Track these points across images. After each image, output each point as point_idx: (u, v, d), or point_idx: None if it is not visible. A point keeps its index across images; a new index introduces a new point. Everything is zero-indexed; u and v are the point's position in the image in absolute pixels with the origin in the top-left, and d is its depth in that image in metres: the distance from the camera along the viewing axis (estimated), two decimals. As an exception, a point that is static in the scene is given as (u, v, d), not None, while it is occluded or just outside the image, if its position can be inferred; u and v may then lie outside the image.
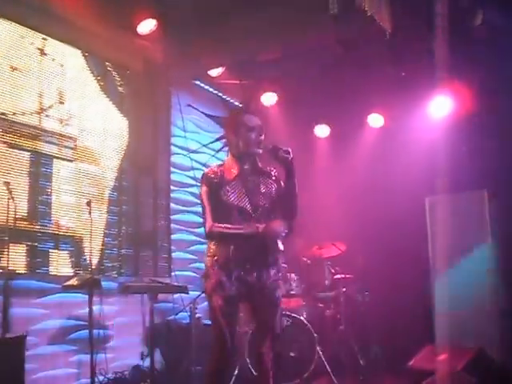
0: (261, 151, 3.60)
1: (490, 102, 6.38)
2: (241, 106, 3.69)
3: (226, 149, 3.85)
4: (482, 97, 6.37)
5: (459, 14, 5.36)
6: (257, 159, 3.66)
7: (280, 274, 3.66)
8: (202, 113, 3.92)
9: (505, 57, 5.95)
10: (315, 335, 5.60)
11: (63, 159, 5.50)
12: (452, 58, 5.70)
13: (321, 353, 5.61)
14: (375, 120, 7.59)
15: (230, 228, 3.46)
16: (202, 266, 6.82)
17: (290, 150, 3.51)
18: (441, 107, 6.84)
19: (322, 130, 7.96)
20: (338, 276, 6.55)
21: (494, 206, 6.51)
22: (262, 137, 3.61)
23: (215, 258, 3.50)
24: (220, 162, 3.75)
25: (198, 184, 3.75)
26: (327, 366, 5.59)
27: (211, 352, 3.49)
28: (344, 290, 6.45)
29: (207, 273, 3.54)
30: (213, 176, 3.57)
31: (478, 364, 4.98)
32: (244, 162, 3.63)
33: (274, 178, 3.70)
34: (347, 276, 6.56)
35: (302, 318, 5.72)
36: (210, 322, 3.60)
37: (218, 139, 4.13)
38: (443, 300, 6.30)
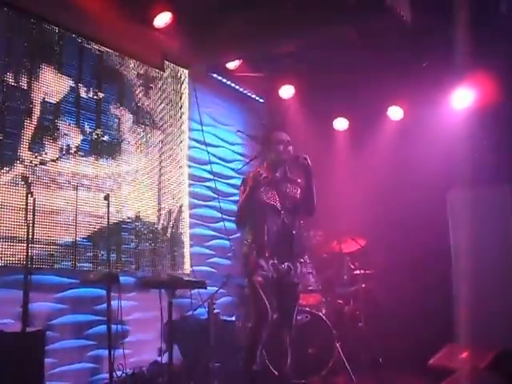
0: (287, 159, 4.39)
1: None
2: (271, 123, 5.01)
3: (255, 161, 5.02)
4: (505, 88, 6.24)
5: (482, 2, 5.26)
6: (287, 169, 4.48)
7: (304, 270, 4.47)
8: (248, 136, 4.82)
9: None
10: (334, 332, 5.54)
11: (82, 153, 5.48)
12: (474, 47, 5.60)
13: (340, 349, 5.55)
14: (395, 112, 7.49)
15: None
16: (220, 260, 6.94)
17: (308, 157, 4.28)
18: (462, 99, 6.73)
19: (340, 123, 7.87)
20: (358, 271, 6.48)
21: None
22: (290, 148, 4.41)
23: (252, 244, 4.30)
24: (259, 168, 4.44)
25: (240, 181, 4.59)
26: (346, 363, 5.54)
27: (252, 320, 4.22)
28: (363, 285, 6.38)
29: (247, 257, 4.30)
30: (257, 177, 4.29)
31: (500, 363, 4.89)
32: (276, 170, 4.47)
33: (299, 184, 4.48)
34: (367, 271, 6.48)
35: (320, 314, 5.66)
36: (250, 297, 4.27)
37: (255, 157, 4.97)
38: (465, 297, 6.20)
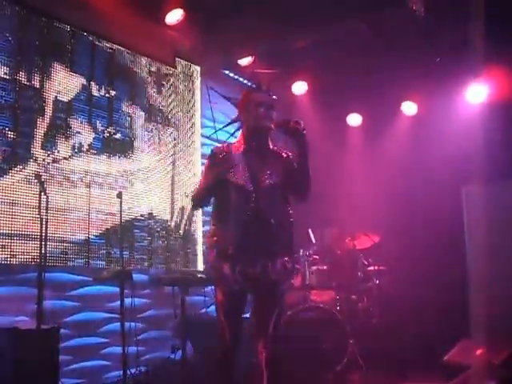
0: (271, 125, 3.41)
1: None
2: (252, 86, 3.75)
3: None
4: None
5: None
6: (268, 138, 3.49)
7: (290, 267, 3.36)
8: (221, 95, 3.82)
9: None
10: (347, 328, 5.52)
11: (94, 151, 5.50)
12: (489, 42, 5.54)
13: (353, 346, 5.54)
14: (409, 108, 7.43)
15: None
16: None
17: (302, 122, 3.37)
18: (477, 94, 6.67)
19: (354, 119, 7.83)
20: (371, 268, 6.44)
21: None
22: (273, 113, 3.46)
23: (215, 247, 3.36)
24: (233, 141, 3.62)
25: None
26: (360, 359, 5.52)
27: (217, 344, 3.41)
28: (377, 282, 6.35)
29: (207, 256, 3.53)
30: (218, 152, 3.46)
31: (517, 360, 4.85)
32: (252, 140, 3.47)
33: (284, 157, 3.50)
34: (380, 268, 6.44)
35: (334, 310, 5.65)
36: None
37: (230, 122, 3.76)
38: (480, 293, 6.15)
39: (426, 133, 6.96)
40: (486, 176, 6.34)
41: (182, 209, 6.36)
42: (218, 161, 3.41)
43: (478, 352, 5.08)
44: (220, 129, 4.40)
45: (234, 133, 3.72)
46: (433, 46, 6.22)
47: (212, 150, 3.52)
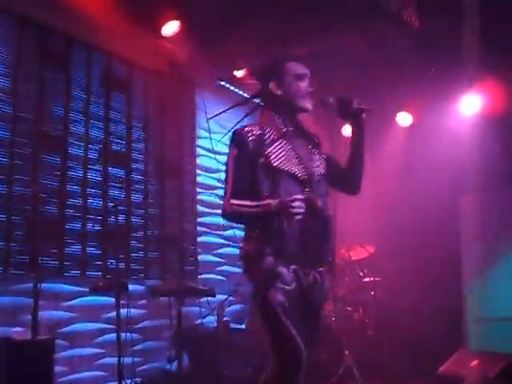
0: (311, 107, 2.93)
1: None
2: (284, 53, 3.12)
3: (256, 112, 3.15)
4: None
5: (491, 9, 5.24)
6: (300, 119, 3.00)
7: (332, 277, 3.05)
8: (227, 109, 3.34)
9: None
10: (343, 339, 5.53)
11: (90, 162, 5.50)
12: (483, 54, 5.60)
13: (349, 357, 5.54)
14: (404, 118, 7.47)
15: (248, 206, 2.74)
16: (230, 268, 6.91)
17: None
18: (472, 105, 6.71)
19: (348, 130, 7.85)
20: (367, 279, 6.45)
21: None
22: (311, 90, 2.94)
23: (265, 243, 2.73)
24: (253, 122, 2.96)
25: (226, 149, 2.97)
26: (355, 371, 5.52)
27: (277, 369, 2.72)
28: (372, 293, 6.36)
29: (256, 263, 2.75)
30: (249, 135, 2.83)
31: (511, 372, 4.86)
32: (290, 121, 2.94)
33: (320, 144, 3.07)
34: (376, 279, 6.45)
35: (329, 322, 5.65)
36: (266, 328, 2.76)
37: (251, 97, 3.17)
38: (476, 304, 6.18)
39: (422, 143, 7.00)
40: (483, 186, 6.39)
41: (178, 220, 6.36)
42: (250, 147, 2.81)
43: (473, 364, 5.10)
44: (230, 108, 3.65)
45: (248, 115, 3.18)
46: (427, 57, 6.27)
47: (237, 133, 2.88)
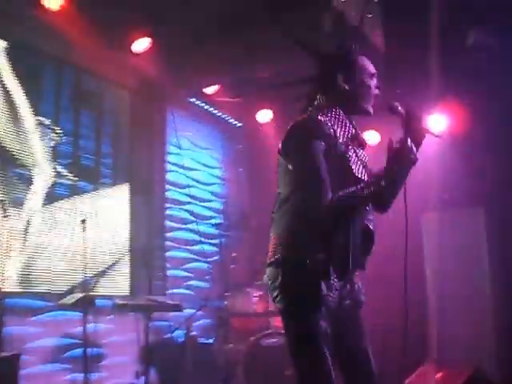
0: (372, 111, 2.63)
1: (485, 120, 6.41)
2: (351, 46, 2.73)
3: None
4: (475, 115, 6.39)
5: (453, 33, 5.41)
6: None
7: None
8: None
9: (499, 75, 5.98)
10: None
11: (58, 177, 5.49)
12: (447, 75, 5.75)
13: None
14: (372, 137, 7.60)
15: (353, 194, 2.39)
16: (198, 283, 6.93)
17: None
18: (436, 125, 6.86)
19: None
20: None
21: (491, 222, 6.51)
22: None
23: (318, 256, 2.39)
24: (319, 113, 2.52)
25: (294, 138, 2.51)
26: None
27: None
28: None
29: (302, 278, 2.39)
30: (326, 128, 2.46)
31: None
32: (350, 121, 2.60)
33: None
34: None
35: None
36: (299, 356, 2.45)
37: (306, 80, 2.82)
38: (439, 317, 6.29)
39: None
40: (445, 204, 6.53)
41: (147, 234, 6.37)
42: (331, 140, 2.45)
43: (438, 376, 5.18)
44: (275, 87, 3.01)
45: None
46: (393, 77, 6.41)
47: (317, 123, 2.45)
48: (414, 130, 2.45)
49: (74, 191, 5.61)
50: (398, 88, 6.64)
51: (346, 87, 2.58)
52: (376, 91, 2.65)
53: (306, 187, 2.42)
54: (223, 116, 7.76)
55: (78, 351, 5.01)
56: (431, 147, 6.59)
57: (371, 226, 2.61)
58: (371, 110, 2.65)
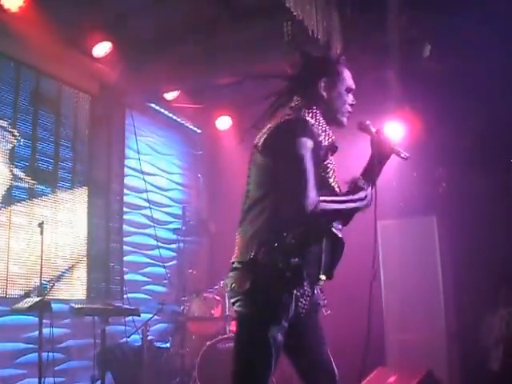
0: (345, 124, 2.65)
1: (438, 130, 6.59)
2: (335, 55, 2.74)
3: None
4: (431, 124, 6.57)
5: (409, 45, 5.57)
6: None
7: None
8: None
9: (453, 86, 6.16)
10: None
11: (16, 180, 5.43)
12: (403, 86, 5.91)
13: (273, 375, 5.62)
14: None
15: (339, 201, 2.43)
16: (155, 287, 6.93)
17: None
18: (392, 134, 7.02)
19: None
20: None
21: (443, 231, 6.69)
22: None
23: (293, 260, 2.36)
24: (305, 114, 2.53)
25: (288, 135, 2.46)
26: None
27: None
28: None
29: (274, 283, 2.35)
30: (314, 128, 2.50)
31: (425, 386, 5.09)
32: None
33: None
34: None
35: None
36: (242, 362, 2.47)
37: (278, 77, 2.80)
38: (394, 322, 6.43)
39: (343, 169, 7.23)
40: (400, 212, 6.69)
41: (104, 239, 6.34)
42: (318, 143, 2.46)
43: (391, 379, 5.30)
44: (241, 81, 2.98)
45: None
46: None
47: (308, 123, 2.47)
48: (381, 149, 2.60)
49: (31, 194, 5.56)
50: (355, 96, 6.80)
51: (324, 95, 2.59)
52: (349, 108, 2.66)
53: (293, 186, 2.36)
54: (183, 122, 7.78)
55: (33, 356, 4.94)
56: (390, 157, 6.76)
57: (341, 236, 2.58)
58: (345, 123, 2.66)
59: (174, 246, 7.22)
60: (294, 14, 4.77)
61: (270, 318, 2.36)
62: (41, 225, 5.06)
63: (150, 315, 5.78)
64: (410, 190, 6.84)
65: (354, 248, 6.86)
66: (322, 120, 2.56)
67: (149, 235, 7.00)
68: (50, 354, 4.86)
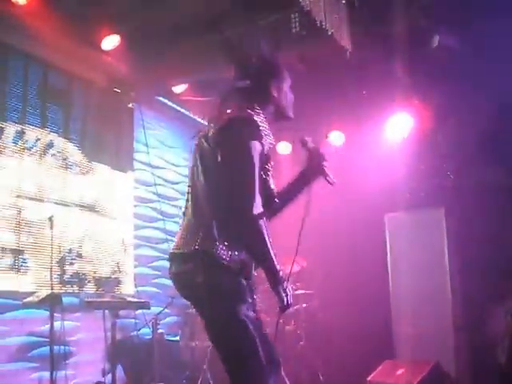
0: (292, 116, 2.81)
1: (446, 122, 6.57)
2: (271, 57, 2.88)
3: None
4: (439, 116, 6.55)
5: (417, 36, 5.54)
6: None
7: None
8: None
9: (461, 78, 6.13)
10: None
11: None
12: (411, 77, 5.89)
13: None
14: (336, 138, 7.70)
15: (269, 250, 2.54)
16: (165, 281, 6.94)
17: None
18: (400, 126, 7.01)
19: (285, 147, 8.03)
20: (299, 292, 6.60)
21: (451, 222, 6.68)
22: None
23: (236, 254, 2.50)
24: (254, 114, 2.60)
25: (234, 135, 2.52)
26: (287, 382, 5.63)
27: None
28: (304, 305, 6.51)
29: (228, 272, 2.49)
30: (262, 130, 2.57)
31: (433, 379, 5.12)
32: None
33: None
34: (308, 292, 6.62)
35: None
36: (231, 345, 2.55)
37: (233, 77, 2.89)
38: (402, 315, 6.43)
39: (353, 161, 7.24)
40: (408, 204, 6.68)
41: (114, 232, 6.36)
42: (262, 144, 2.53)
43: (399, 372, 5.32)
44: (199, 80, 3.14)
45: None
46: (359, 79, 6.52)
47: (257, 124, 2.55)
48: (315, 167, 2.79)
49: (40, 189, 5.56)
50: (365, 89, 6.79)
51: (275, 95, 2.74)
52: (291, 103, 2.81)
53: (240, 189, 2.45)
54: (191, 115, 7.77)
55: (45, 349, 4.97)
56: (395, 149, 6.74)
57: None
58: (292, 116, 2.81)
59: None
60: (302, 5, 4.75)
61: (233, 298, 2.48)
62: (50, 219, 5.08)
63: (160, 308, 5.80)
64: (418, 182, 6.82)
65: (359, 241, 6.93)
66: (266, 123, 2.64)
67: (158, 228, 7.01)
68: (61, 347, 4.89)
